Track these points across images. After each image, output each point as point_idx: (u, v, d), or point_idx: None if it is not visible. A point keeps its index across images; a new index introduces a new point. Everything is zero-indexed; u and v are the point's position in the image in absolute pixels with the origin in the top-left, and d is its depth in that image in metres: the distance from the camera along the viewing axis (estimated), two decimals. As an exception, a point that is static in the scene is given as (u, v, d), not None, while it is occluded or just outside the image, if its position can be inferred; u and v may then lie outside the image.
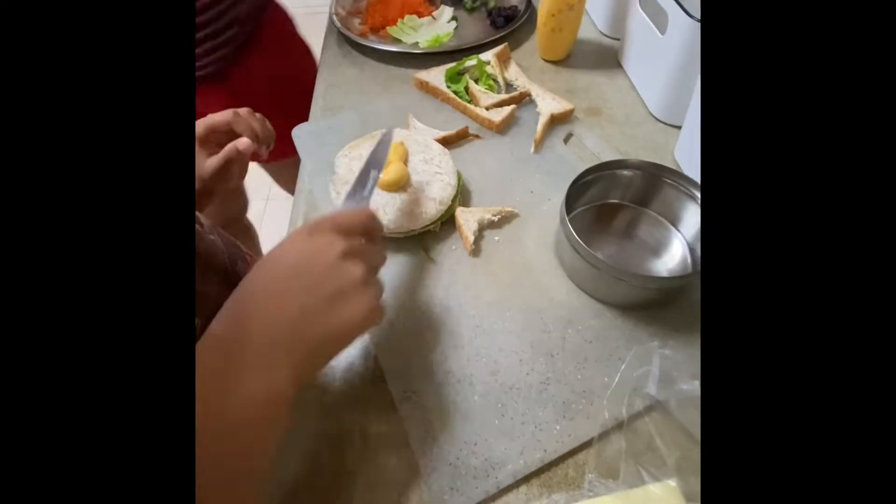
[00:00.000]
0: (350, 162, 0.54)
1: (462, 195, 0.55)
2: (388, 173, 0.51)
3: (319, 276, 0.32)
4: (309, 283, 0.32)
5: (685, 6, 0.53)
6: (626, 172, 0.50)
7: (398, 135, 0.58)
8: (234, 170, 0.52)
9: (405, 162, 0.54)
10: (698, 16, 0.52)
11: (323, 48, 0.79)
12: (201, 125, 0.52)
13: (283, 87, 0.83)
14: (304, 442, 0.40)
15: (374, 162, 0.44)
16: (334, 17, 0.79)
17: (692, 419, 0.38)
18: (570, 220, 0.45)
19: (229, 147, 0.51)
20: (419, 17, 0.80)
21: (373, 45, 0.74)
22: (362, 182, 0.43)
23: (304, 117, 0.68)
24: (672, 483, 0.36)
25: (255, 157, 0.56)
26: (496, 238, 0.53)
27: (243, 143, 0.50)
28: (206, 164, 0.51)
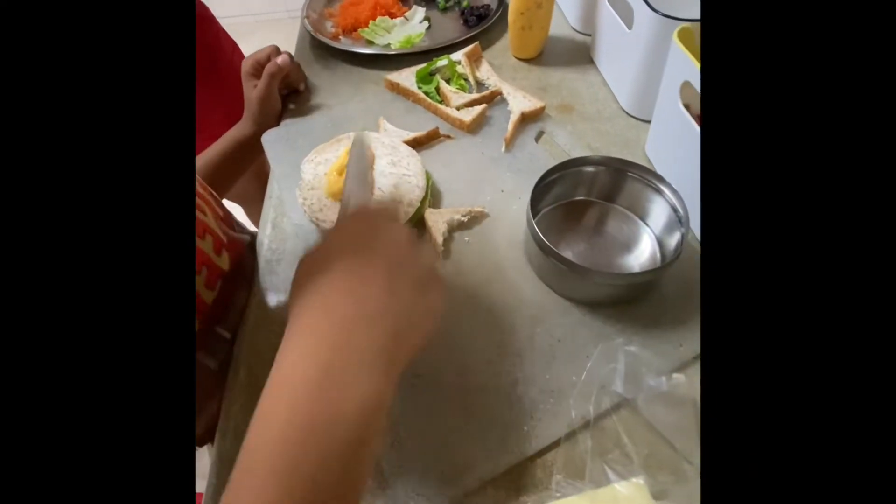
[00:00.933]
0: (316, 167, 0.54)
1: (433, 197, 0.55)
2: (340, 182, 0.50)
3: (401, 258, 0.30)
4: (392, 266, 0.29)
5: (649, 0, 0.52)
6: (590, 169, 0.50)
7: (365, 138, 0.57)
8: (288, 80, 0.67)
9: (370, 166, 0.53)
10: (662, 10, 0.51)
11: (295, 51, 0.79)
12: (248, 61, 0.65)
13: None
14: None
15: (355, 171, 0.42)
16: (305, 21, 0.79)
17: (659, 416, 0.38)
18: (538, 219, 0.44)
19: (269, 65, 0.62)
20: (391, 18, 0.79)
21: (342, 48, 0.74)
22: (359, 184, 0.40)
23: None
24: (639, 481, 0.36)
25: (296, 92, 0.70)
26: (466, 239, 0.52)
27: (281, 58, 0.63)
28: (255, 92, 0.63)
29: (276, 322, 0.47)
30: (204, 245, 0.46)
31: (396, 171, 0.53)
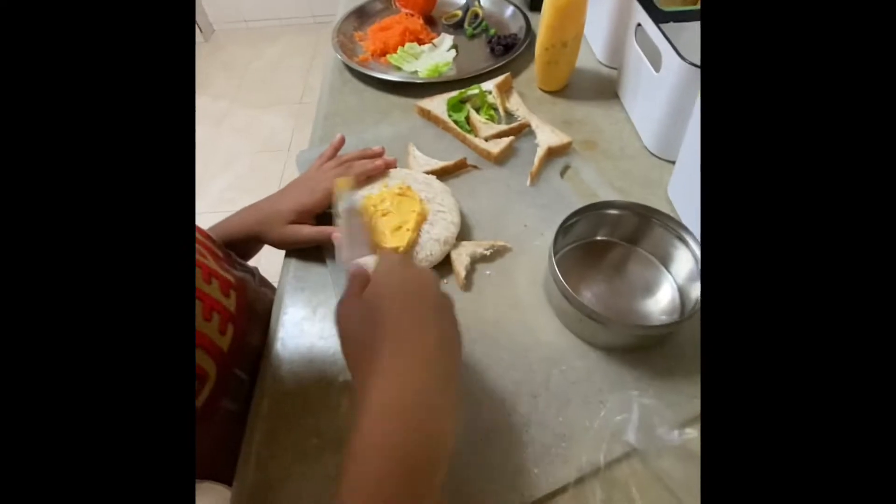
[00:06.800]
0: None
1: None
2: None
3: (437, 298, 0.35)
4: (435, 304, 0.34)
5: (678, 48, 0.53)
6: (614, 212, 0.51)
7: (397, 174, 0.58)
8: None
9: (423, 217, 0.54)
10: (692, 59, 0.52)
11: (323, 75, 0.81)
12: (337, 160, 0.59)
13: None
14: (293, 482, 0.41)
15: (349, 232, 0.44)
16: (335, 43, 0.81)
17: (669, 470, 0.38)
18: (559, 257, 0.45)
19: (326, 231, 0.53)
20: (420, 44, 0.81)
21: (372, 74, 0.76)
22: (354, 237, 0.43)
23: None
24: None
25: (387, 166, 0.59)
26: (487, 272, 0.53)
27: (337, 237, 0.53)
28: (306, 231, 0.54)
29: (298, 352, 0.49)
30: (211, 290, 0.45)
31: (431, 207, 0.54)
